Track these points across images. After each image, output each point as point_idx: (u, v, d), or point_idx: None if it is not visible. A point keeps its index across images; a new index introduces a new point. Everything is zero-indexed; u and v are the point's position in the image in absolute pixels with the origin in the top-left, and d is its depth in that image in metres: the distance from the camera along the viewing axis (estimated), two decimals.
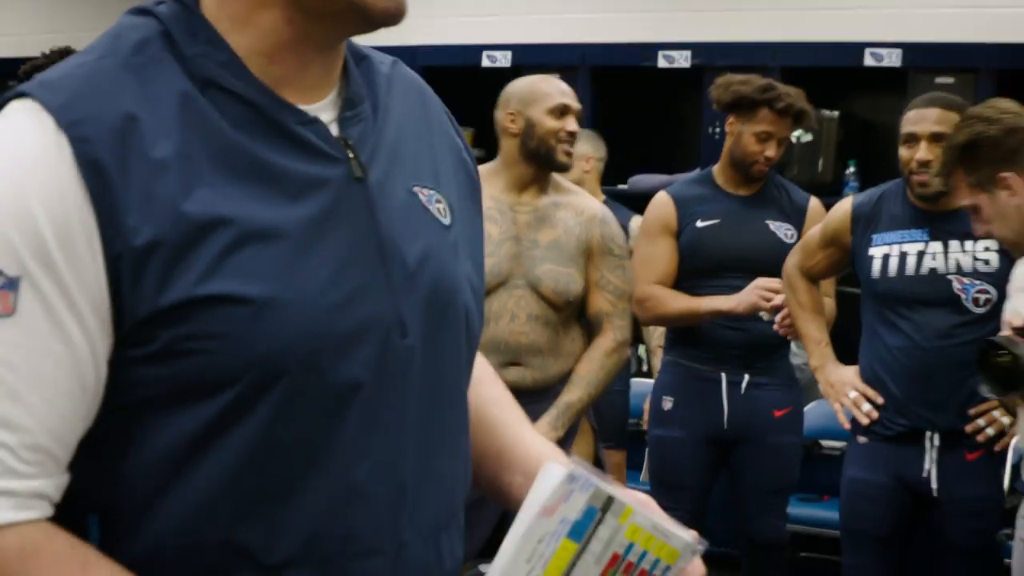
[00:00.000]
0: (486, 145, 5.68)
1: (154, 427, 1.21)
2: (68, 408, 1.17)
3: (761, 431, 4.00)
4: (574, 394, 3.63)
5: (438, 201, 1.37)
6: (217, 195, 1.23)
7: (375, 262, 1.29)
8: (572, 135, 3.64)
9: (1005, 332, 2.85)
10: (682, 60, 5.86)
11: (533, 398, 3.53)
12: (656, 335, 4.90)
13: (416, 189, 1.34)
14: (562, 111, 3.63)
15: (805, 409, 4.34)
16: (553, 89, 3.71)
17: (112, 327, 1.19)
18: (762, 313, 3.92)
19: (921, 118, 3.53)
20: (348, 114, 1.33)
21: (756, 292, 3.87)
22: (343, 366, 1.25)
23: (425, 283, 1.31)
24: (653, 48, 5.97)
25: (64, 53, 3.64)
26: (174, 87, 1.25)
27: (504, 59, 6.37)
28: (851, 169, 5.52)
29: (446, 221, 1.37)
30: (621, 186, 5.95)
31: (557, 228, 3.68)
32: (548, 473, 1.29)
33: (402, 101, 1.41)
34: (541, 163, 3.66)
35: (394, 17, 1.29)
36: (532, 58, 6.18)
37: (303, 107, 1.30)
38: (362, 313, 1.28)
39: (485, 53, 6.33)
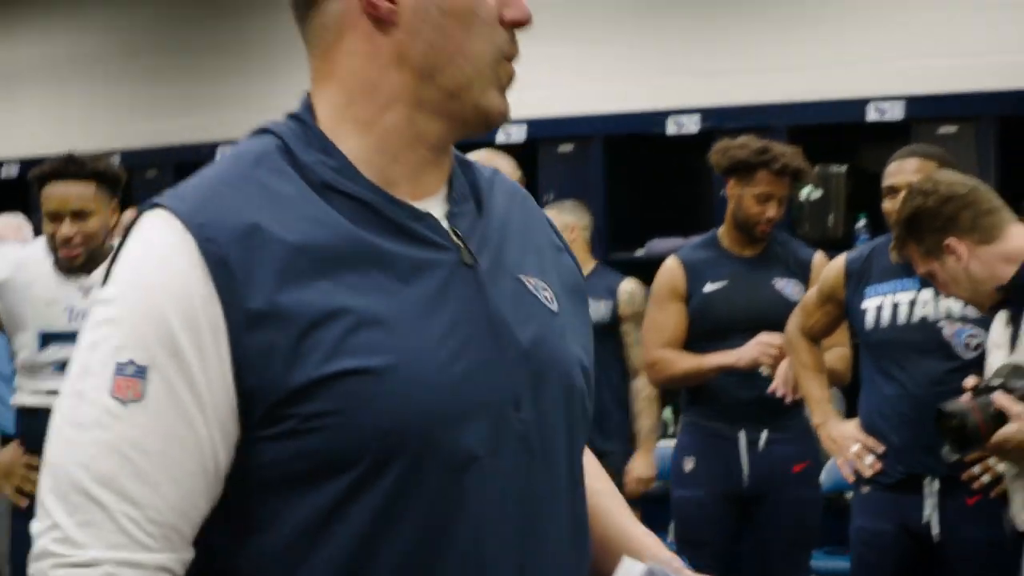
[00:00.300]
0: None
1: (281, 505, 1.26)
2: (192, 487, 1.24)
3: (780, 486, 4.07)
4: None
5: (544, 289, 1.42)
6: (337, 286, 1.29)
7: (488, 340, 1.34)
8: None
9: (964, 397, 3.01)
10: (691, 125, 5.94)
11: None
12: None
13: (523, 277, 1.40)
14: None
15: (828, 463, 4.40)
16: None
17: (239, 413, 1.26)
18: (762, 368, 3.99)
19: (900, 170, 3.66)
20: (456, 210, 1.40)
21: (757, 347, 3.96)
22: (461, 439, 1.29)
23: (538, 362, 1.36)
24: (662, 115, 6.06)
25: (70, 159, 3.88)
26: (292, 191, 1.33)
27: (519, 133, 6.42)
28: (862, 222, 5.56)
29: (553, 307, 1.41)
30: (639, 251, 6.03)
31: None
32: (626, 568, 1.39)
33: (504, 201, 1.47)
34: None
35: (506, 118, 1.41)
36: (546, 131, 6.33)
37: (414, 203, 1.37)
38: (478, 388, 1.32)
39: (500, 128, 6.37)
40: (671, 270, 4.24)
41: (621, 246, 6.19)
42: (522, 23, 1.44)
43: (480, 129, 1.43)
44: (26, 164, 7.79)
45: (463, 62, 1.39)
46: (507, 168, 3.75)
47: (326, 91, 1.41)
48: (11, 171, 8.28)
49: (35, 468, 3.45)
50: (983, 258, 3.10)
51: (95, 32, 8.62)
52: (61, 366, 3.57)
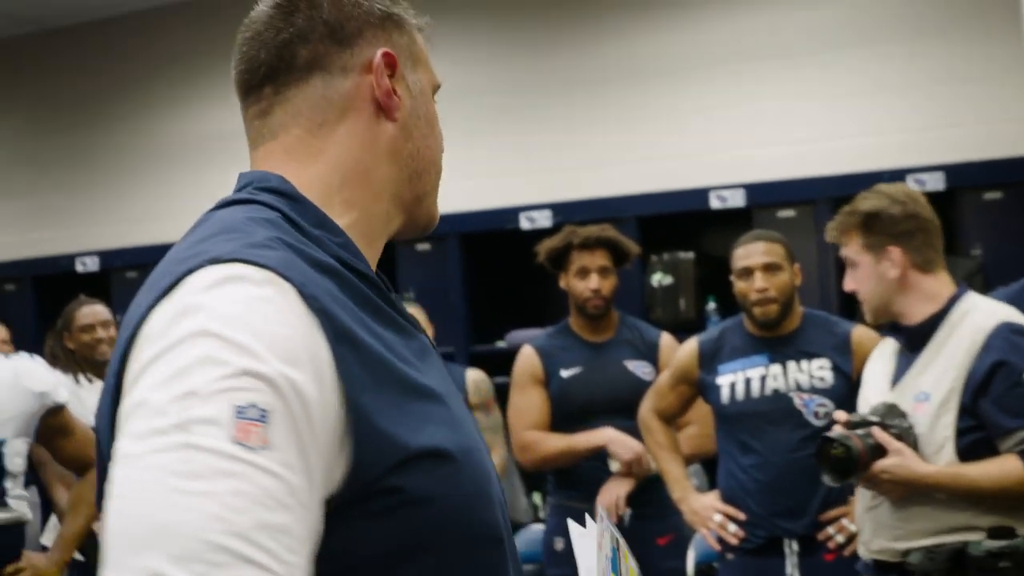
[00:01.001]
0: None
1: None
2: (309, 545, 1.15)
3: (648, 560, 4.15)
4: None
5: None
6: (406, 362, 1.28)
7: (471, 420, 1.39)
8: None
9: (838, 428, 3.16)
10: (543, 220, 6.08)
11: None
12: None
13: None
14: None
15: (695, 536, 4.51)
16: None
17: (337, 482, 1.18)
18: (611, 462, 4.13)
19: (750, 253, 3.84)
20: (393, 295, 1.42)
21: (619, 443, 4.12)
22: (496, 521, 1.32)
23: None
24: (515, 211, 6.22)
25: None
26: (324, 261, 1.29)
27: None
28: (712, 305, 5.73)
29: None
30: (500, 343, 6.12)
31: None
32: (578, 526, 1.55)
33: None
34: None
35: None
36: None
37: None
38: (488, 464, 1.35)
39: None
40: (528, 357, 4.36)
41: (482, 338, 6.27)
42: None
43: (421, 233, 1.51)
44: None
45: (433, 172, 1.48)
46: None
47: (312, 169, 1.40)
48: None
49: None
50: (909, 281, 3.21)
51: None
52: None
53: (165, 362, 1.15)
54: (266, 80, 1.42)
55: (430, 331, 5.26)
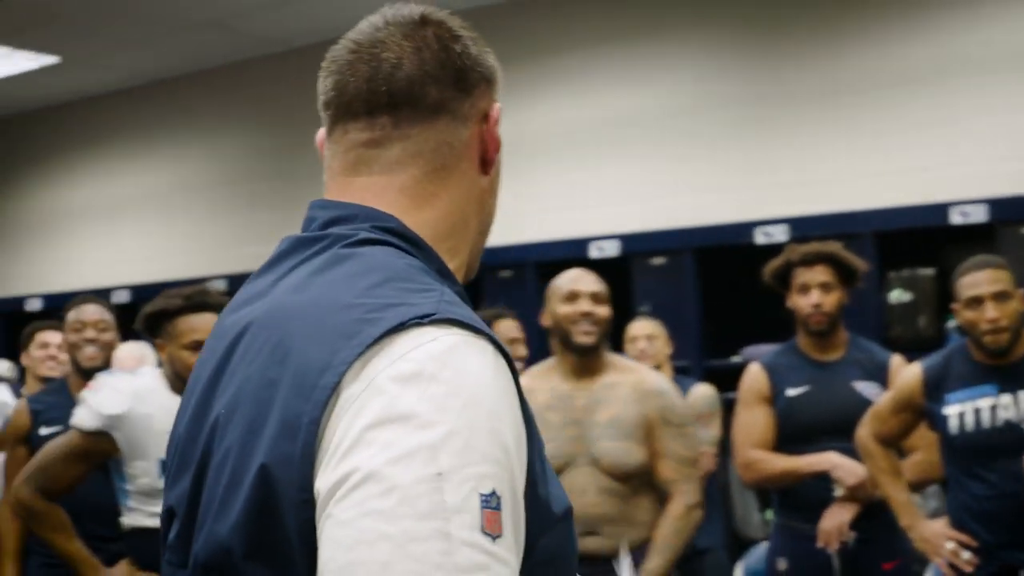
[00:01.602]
0: None
1: None
2: None
3: None
4: (654, 561, 3.76)
5: None
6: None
7: None
8: (585, 315, 3.87)
9: None
10: (779, 234, 6.02)
11: (609, 565, 3.75)
12: None
13: None
14: (571, 296, 3.91)
15: (931, 566, 4.44)
16: (563, 280, 4.01)
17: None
18: (835, 487, 4.08)
19: (978, 282, 3.75)
20: None
21: (845, 469, 4.07)
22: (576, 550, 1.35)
23: None
24: (750, 226, 6.19)
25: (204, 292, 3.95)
26: None
27: (613, 248, 6.62)
28: (952, 323, 5.51)
29: None
30: (734, 358, 6.09)
31: (614, 406, 3.85)
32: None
33: None
34: (568, 347, 3.91)
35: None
36: (639, 246, 6.52)
37: None
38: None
39: (593, 244, 6.63)
40: (755, 374, 4.35)
41: (717, 352, 6.26)
42: None
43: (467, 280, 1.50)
44: (136, 290, 8.59)
45: (488, 231, 1.51)
46: (591, 281, 3.98)
47: (425, 213, 1.39)
48: (122, 297, 8.58)
49: None
50: None
51: (195, 164, 8.99)
52: None
53: (404, 433, 1.11)
54: (386, 109, 1.39)
55: (669, 348, 5.52)
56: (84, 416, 3.72)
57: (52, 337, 5.65)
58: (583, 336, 3.87)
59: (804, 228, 5.89)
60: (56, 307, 8.44)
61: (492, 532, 1.10)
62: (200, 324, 3.76)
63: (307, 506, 1.15)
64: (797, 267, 4.25)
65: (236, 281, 7.70)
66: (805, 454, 4.16)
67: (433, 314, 1.19)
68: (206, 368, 1.37)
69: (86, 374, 4.47)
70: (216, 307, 3.81)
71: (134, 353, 5.66)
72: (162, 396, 3.76)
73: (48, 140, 9.86)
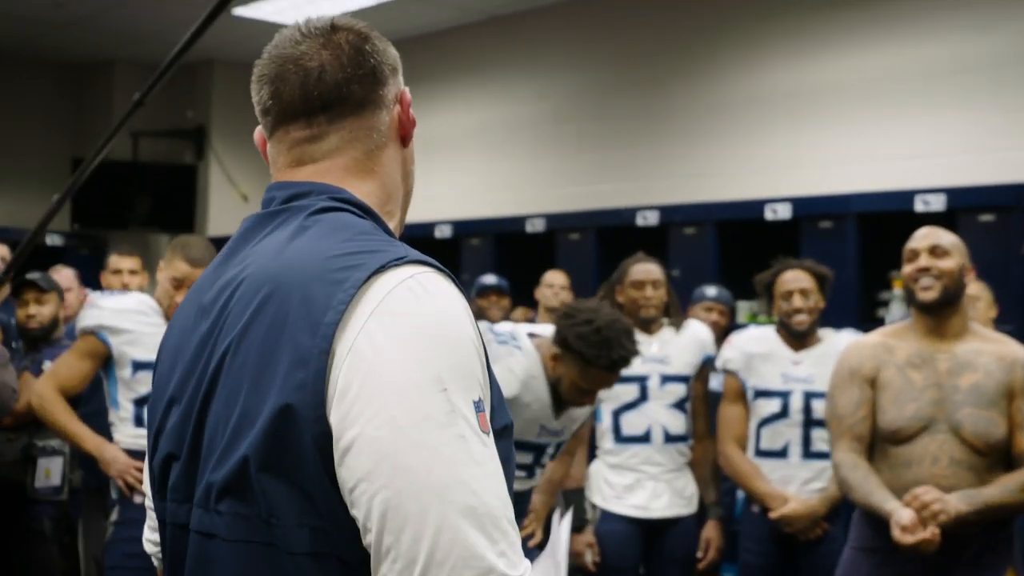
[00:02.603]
0: None
1: None
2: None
3: None
4: (981, 496, 3.62)
5: None
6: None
7: None
8: (922, 271, 3.72)
9: None
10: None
11: (948, 543, 3.60)
12: None
13: None
14: (911, 255, 3.80)
15: None
16: (909, 241, 3.85)
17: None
18: None
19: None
20: None
21: None
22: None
23: None
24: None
25: None
26: None
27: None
28: None
29: None
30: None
31: (978, 372, 3.70)
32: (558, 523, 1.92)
33: None
34: (915, 306, 3.81)
35: None
36: (966, 201, 6.13)
37: None
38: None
39: (919, 197, 6.25)
40: None
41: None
42: None
43: None
44: (458, 225, 8.72)
45: (411, 192, 1.70)
46: (932, 235, 3.85)
47: (365, 185, 1.59)
48: (444, 232, 8.76)
49: None
50: None
51: (526, 101, 9.02)
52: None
53: (407, 354, 1.32)
54: (321, 110, 1.57)
55: (993, 311, 5.12)
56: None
57: None
58: (923, 292, 3.75)
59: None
60: None
61: (486, 430, 1.33)
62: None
63: (321, 422, 1.33)
64: None
65: (555, 220, 8.07)
66: None
67: (404, 256, 1.40)
68: (196, 322, 1.56)
69: None
70: None
71: None
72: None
73: None
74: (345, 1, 8.54)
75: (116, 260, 6.11)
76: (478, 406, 1.32)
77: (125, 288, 5.83)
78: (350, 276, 1.37)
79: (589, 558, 4.93)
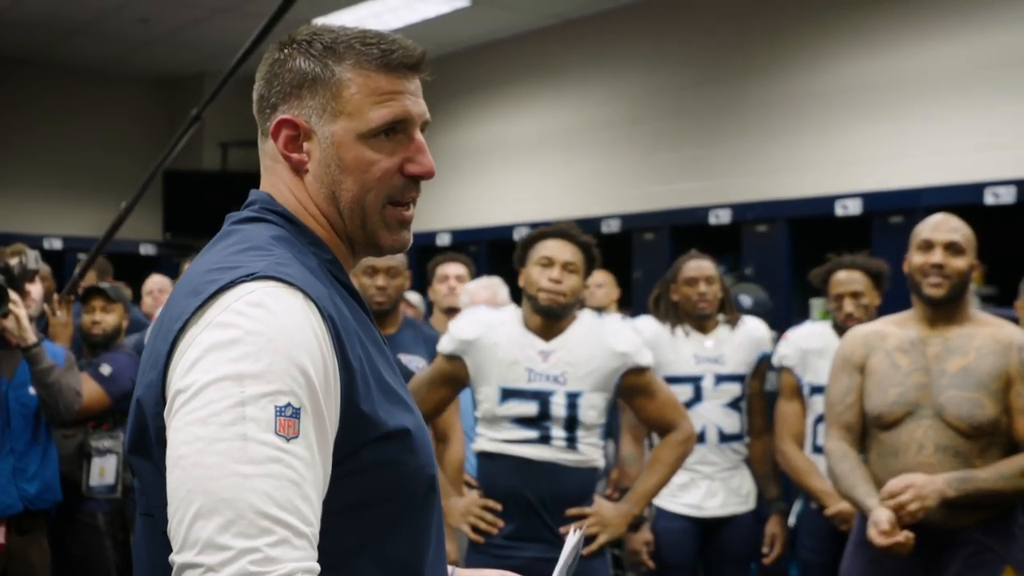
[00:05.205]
0: (998, 281, 6.21)
1: (339, 522, 1.50)
2: (320, 506, 1.41)
3: None
4: (980, 474, 3.57)
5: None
6: (374, 358, 1.57)
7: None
8: (935, 267, 3.66)
9: None
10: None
11: (944, 537, 3.62)
12: None
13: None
14: (926, 245, 3.72)
15: None
16: (923, 226, 3.79)
17: (334, 451, 1.46)
18: None
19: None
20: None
21: None
22: (432, 470, 1.64)
23: None
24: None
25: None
26: (325, 279, 1.57)
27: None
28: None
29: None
30: None
31: (968, 356, 3.66)
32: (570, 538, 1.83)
33: None
34: (919, 297, 3.76)
35: (397, 249, 1.69)
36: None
37: None
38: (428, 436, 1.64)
39: (989, 190, 6.17)
40: None
41: None
42: (422, 177, 1.68)
43: (387, 253, 1.71)
44: (535, 227, 7.75)
45: (358, 209, 1.65)
46: (950, 229, 3.76)
47: (300, 196, 1.66)
48: (522, 234, 7.48)
49: (489, 509, 3.85)
50: None
51: (601, 104, 8.97)
52: (516, 419, 3.80)
53: (220, 362, 1.39)
54: (260, 127, 1.69)
55: None
56: (444, 342, 3.93)
57: (451, 269, 6.04)
58: (930, 288, 3.71)
59: None
60: (463, 242, 9.05)
61: (286, 434, 1.37)
62: (553, 248, 3.84)
63: (158, 419, 1.47)
64: None
65: (630, 220, 8.03)
66: None
67: (255, 272, 1.47)
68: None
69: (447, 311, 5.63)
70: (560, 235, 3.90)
71: (486, 285, 5.77)
72: (512, 328, 3.88)
73: (458, 82, 9.89)
74: (420, 9, 8.74)
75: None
76: (282, 411, 1.38)
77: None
78: (206, 289, 1.48)
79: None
